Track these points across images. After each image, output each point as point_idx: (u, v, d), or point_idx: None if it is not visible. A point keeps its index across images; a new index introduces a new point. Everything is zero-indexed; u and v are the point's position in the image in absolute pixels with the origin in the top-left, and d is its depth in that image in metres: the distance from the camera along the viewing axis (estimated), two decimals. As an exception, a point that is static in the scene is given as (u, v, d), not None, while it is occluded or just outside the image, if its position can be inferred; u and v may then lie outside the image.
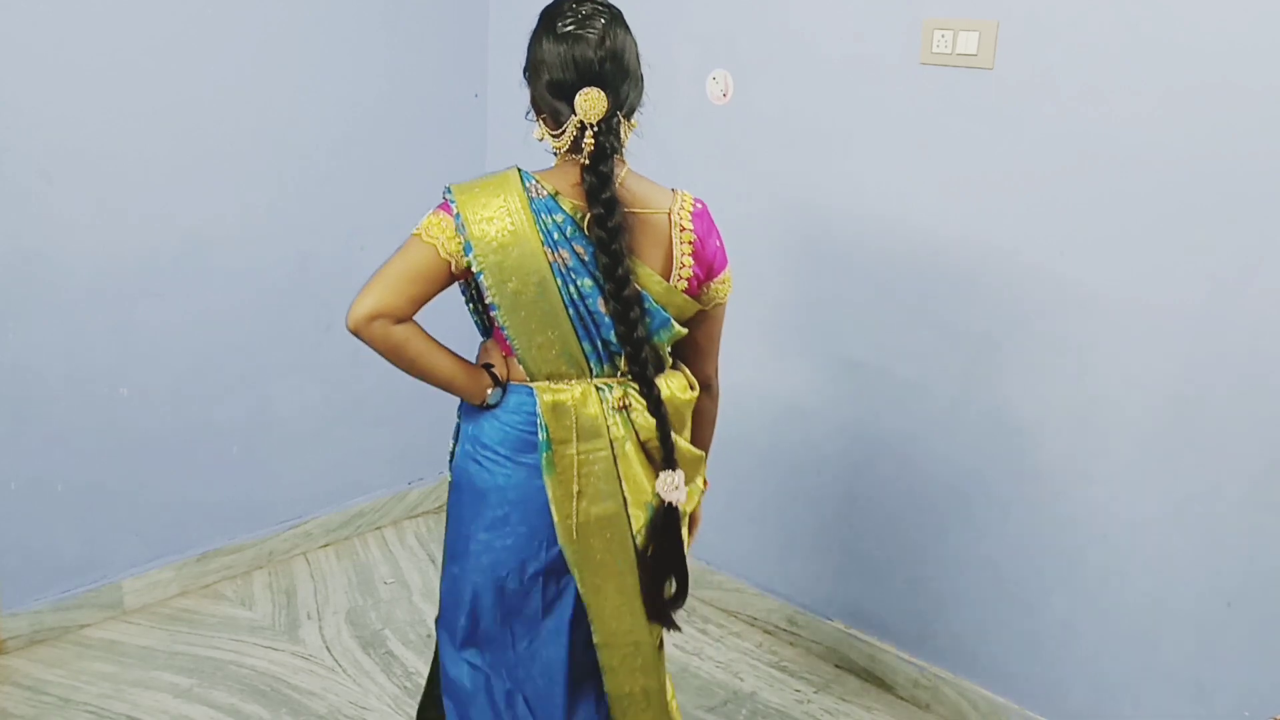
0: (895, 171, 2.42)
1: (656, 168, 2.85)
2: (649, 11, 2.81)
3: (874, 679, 2.68)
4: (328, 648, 2.76)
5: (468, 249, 1.62)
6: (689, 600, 2.98)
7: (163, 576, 2.92)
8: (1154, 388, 2.13)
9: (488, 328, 1.78)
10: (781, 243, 2.66)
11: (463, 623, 1.81)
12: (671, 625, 1.84)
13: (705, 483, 1.91)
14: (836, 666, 2.74)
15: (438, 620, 1.89)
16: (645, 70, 1.68)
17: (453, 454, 1.83)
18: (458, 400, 1.80)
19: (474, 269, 1.63)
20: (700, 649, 2.80)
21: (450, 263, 1.63)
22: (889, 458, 2.56)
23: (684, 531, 1.82)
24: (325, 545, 3.26)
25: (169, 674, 2.63)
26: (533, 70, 1.64)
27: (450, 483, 1.84)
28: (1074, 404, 2.24)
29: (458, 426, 1.82)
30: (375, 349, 1.64)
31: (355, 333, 1.63)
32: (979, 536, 2.44)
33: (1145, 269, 2.10)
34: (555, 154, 1.67)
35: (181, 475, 2.91)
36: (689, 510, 1.85)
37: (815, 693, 2.65)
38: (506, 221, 1.61)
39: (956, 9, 2.26)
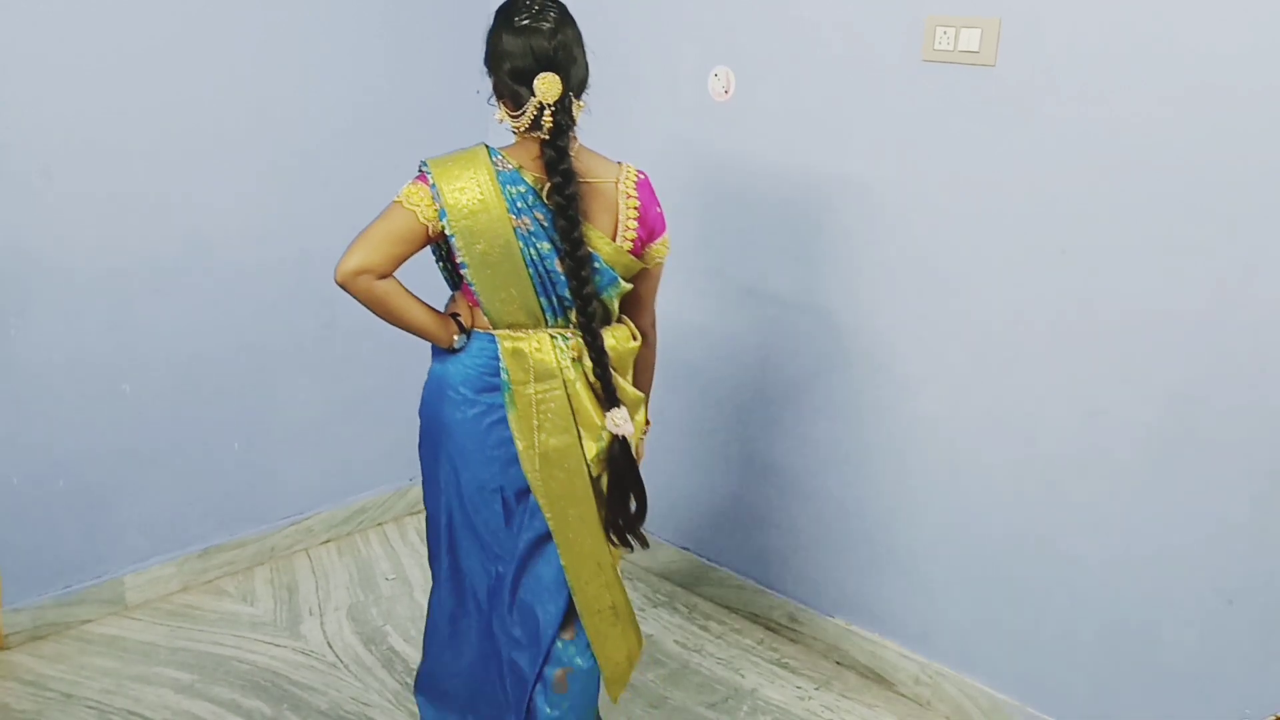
0: (896, 169, 2.41)
1: (657, 163, 2.85)
2: (651, 9, 2.81)
3: (875, 675, 2.68)
4: (329, 644, 2.76)
5: (443, 215, 1.84)
6: (689, 596, 3.00)
7: (164, 572, 2.92)
8: (1155, 387, 2.13)
9: (455, 282, 2.00)
10: (784, 239, 2.66)
11: (443, 552, 2.08)
12: (640, 542, 2.07)
13: (648, 422, 2.16)
14: (837, 663, 2.75)
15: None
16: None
17: None
18: None
19: (447, 232, 1.84)
20: (701, 645, 2.80)
21: (427, 227, 1.84)
22: (889, 459, 2.56)
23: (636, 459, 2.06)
24: (327, 541, 3.26)
25: (170, 669, 2.63)
26: (494, 60, 1.86)
27: (420, 424, 2.06)
28: (1075, 403, 2.24)
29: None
30: (359, 300, 1.85)
31: (343, 285, 1.82)
32: (980, 534, 2.44)
33: (1147, 268, 2.10)
34: (515, 133, 1.88)
35: (183, 471, 2.91)
36: (635, 444, 2.08)
37: (816, 689, 2.65)
38: (476, 192, 1.84)
39: (959, 6, 2.26)
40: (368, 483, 3.33)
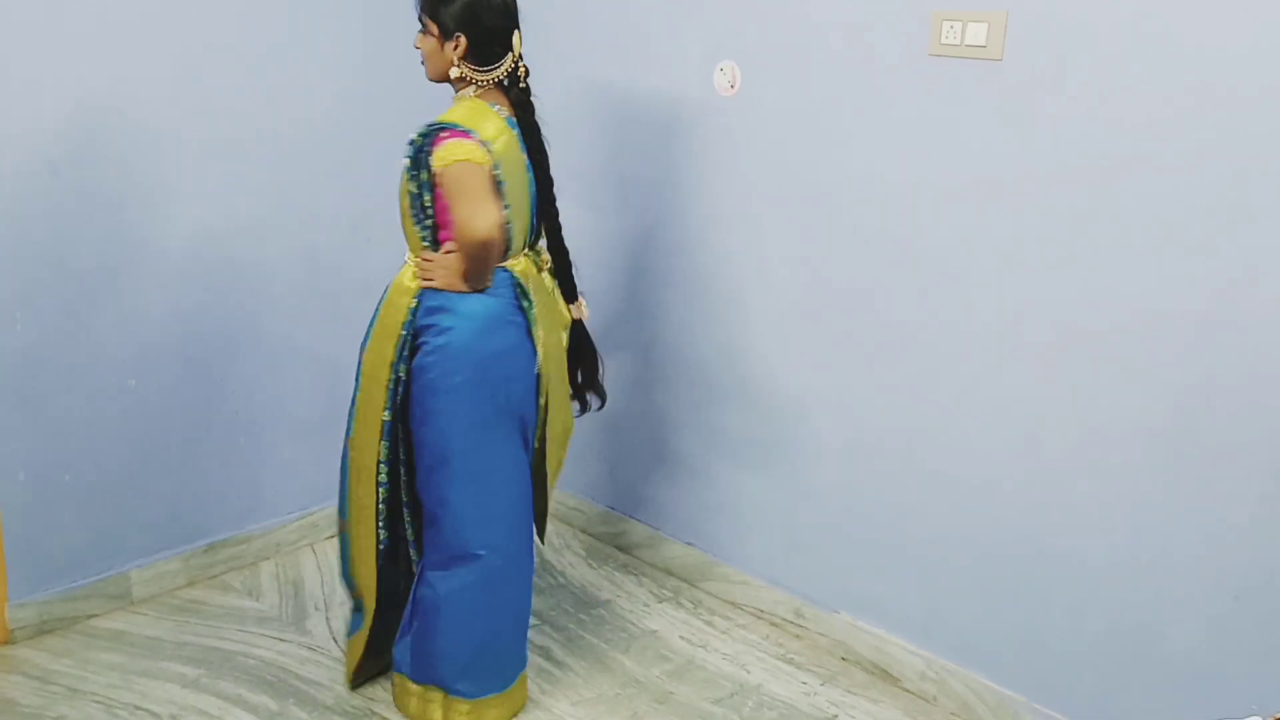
0: (902, 164, 2.41)
1: (659, 159, 2.85)
2: (658, 3, 2.80)
3: (880, 671, 2.68)
4: (335, 639, 2.77)
5: (497, 165, 2.12)
6: (696, 593, 3.00)
7: (170, 567, 2.93)
8: (1159, 386, 2.12)
9: (436, 241, 2.21)
10: (787, 235, 2.65)
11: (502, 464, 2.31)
12: (600, 396, 2.52)
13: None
14: (843, 659, 2.74)
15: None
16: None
17: (417, 347, 2.22)
18: None
19: (500, 178, 2.12)
20: (707, 641, 2.80)
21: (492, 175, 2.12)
22: (894, 456, 2.56)
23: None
24: (332, 536, 3.25)
25: (176, 664, 2.63)
26: (474, 23, 2.13)
27: (466, 367, 2.18)
28: (1079, 401, 2.23)
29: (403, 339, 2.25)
30: (492, 254, 2.12)
31: (492, 238, 2.07)
32: (985, 530, 2.44)
33: (1152, 265, 2.09)
34: (480, 86, 2.19)
35: (189, 466, 2.91)
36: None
37: (822, 684, 2.65)
38: (504, 138, 2.16)
39: (965, 0, 2.25)
40: (373, 478, 3.32)
